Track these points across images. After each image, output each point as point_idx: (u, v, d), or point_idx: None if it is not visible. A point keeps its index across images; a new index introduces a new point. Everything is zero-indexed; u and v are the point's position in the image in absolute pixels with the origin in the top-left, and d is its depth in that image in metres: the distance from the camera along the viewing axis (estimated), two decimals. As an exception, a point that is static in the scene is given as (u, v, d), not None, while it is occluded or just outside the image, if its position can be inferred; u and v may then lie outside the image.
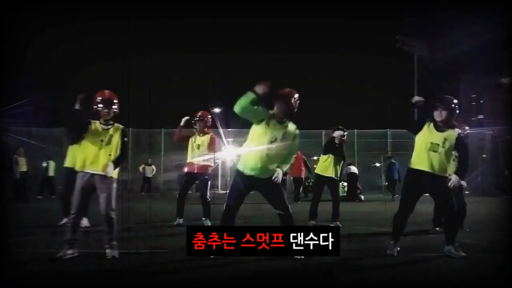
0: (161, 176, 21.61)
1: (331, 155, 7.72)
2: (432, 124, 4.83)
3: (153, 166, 20.18)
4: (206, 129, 7.65)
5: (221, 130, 16.37)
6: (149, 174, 19.98)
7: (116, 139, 4.79)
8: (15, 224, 7.58)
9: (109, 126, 4.81)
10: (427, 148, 4.76)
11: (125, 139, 4.88)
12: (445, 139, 4.73)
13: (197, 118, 7.63)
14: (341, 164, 7.87)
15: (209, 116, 7.73)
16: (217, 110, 21.94)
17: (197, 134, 7.62)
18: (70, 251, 4.62)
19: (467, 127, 6.95)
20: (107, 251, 4.68)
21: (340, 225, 7.40)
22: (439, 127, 4.78)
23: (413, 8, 25.14)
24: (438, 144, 4.72)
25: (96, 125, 4.81)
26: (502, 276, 4.11)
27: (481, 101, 24.93)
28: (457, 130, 4.82)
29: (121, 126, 4.86)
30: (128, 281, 3.90)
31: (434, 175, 4.74)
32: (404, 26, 25.74)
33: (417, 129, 4.90)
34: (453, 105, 4.81)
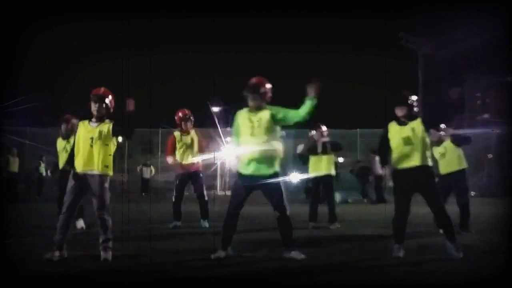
0: (159, 177, 21.39)
1: (317, 155, 7.65)
2: (394, 123, 4.93)
3: (151, 167, 19.91)
4: (190, 127, 7.57)
5: (220, 130, 16.22)
6: (147, 175, 19.71)
7: (107, 134, 4.68)
8: (14, 224, 7.53)
9: (99, 123, 4.71)
10: (401, 144, 4.81)
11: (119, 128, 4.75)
12: (413, 129, 4.84)
13: (182, 117, 7.52)
14: (332, 161, 7.77)
15: (191, 114, 7.64)
16: (216, 109, 21.74)
17: (181, 134, 7.52)
18: (57, 253, 4.53)
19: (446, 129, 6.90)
20: (101, 253, 4.57)
21: (339, 226, 7.28)
22: (402, 123, 4.87)
23: (417, 6, 24.92)
24: (409, 136, 4.80)
25: (85, 124, 4.73)
26: (504, 277, 4.03)
27: (487, 100, 24.67)
28: (419, 120, 4.90)
29: (111, 121, 4.75)
30: (126, 282, 3.86)
31: (416, 168, 4.77)
32: (408, 23, 25.52)
33: (386, 142, 4.96)
34: (410, 100, 4.92)
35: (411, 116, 4.89)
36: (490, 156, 20.38)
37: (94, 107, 4.70)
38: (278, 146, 4.73)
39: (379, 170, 14.93)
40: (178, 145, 7.49)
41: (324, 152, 7.67)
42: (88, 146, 4.62)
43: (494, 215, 9.50)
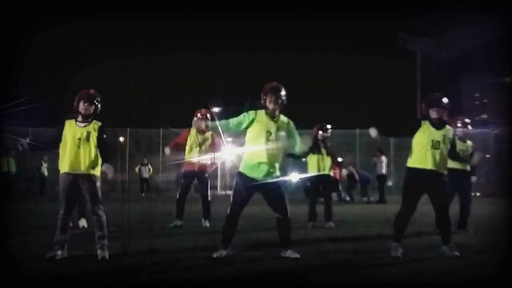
0: (159, 177, 21.37)
1: (319, 154, 7.66)
2: (428, 123, 4.90)
3: (149, 166, 19.89)
4: (206, 127, 7.55)
5: (221, 130, 16.18)
6: (145, 174, 19.70)
7: (94, 135, 4.69)
8: (15, 224, 7.52)
9: (86, 124, 4.70)
10: (429, 146, 4.79)
11: (104, 135, 4.78)
12: (444, 136, 4.83)
13: (200, 117, 7.51)
14: (329, 160, 7.78)
15: (209, 115, 7.58)
16: (216, 110, 21.73)
17: (196, 132, 7.54)
18: (60, 252, 4.55)
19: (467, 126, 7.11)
20: (98, 251, 4.58)
21: (333, 226, 7.28)
22: (436, 125, 4.86)
23: (417, 6, 24.91)
24: (439, 141, 4.79)
25: (72, 124, 4.70)
26: (504, 277, 4.04)
27: (485, 100, 24.67)
28: (451, 128, 4.97)
29: (99, 123, 4.76)
30: (126, 282, 3.86)
31: (435, 172, 4.78)
32: (408, 23, 25.51)
33: (415, 129, 4.94)
34: (445, 103, 4.94)
35: (443, 121, 4.91)
36: (488, 156, 20.38)
37: (82, 106, 4.67)
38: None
39: (383, 170, 14.95)
40: (189, 142, 7.55)
41: (326, 152, 7.70)
42: (76, 147, 4.60)
43: (492, 215, 9.51)
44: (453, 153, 5.10)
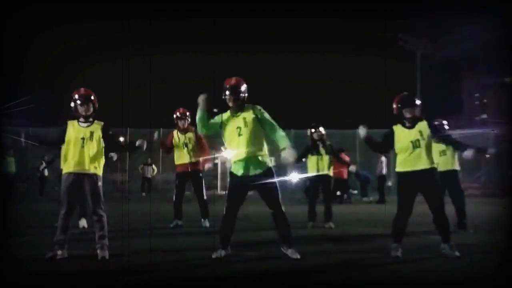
0: (159, 177, 21.38)
1: (318, 154, 7.67)
2: (400, 126, 4.92)
3: (153, 166, 19.90)
4: (187, 126, 7.54)
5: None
6: (148, 174, 19.71)
7: (98, 134, 4.74)
8: (15, 224, 7.53)
9: (89, 124, 4.76)
10: (411, 148, 4.81)
11: (110, 132, 4.85)
12: (420, 131, 4.82)
13: (179, 116, 7.50)
14: (329, 160, 7.76)
15: (188, 113, 7.58)
16: (216, 110, 21.69)
17: (178, 133, 7.51)
18: (60, 252, 4.57)
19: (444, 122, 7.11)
20: (98, 251, 4.60)
21: (333, 227, 7.29)
22: (409, 126, 4.88)
23: (417, 6, 24.94)
24: (418, 140, 4.81)
25: (75, 124, 4.75)
26: (504, 277, 4.04)
27: (485, 100, 24.69)
28: (424, 121, 4.91)
29: (101, 123, 4.82)
30: (126, 282, 3.88)
31: (424, 170, 4.80)
32: (408, 24, 25.53)
33: (390, 143, 4.98)
34: (416, 102, 4.94)
35: (417, 118, 4.90)
36: (488, 156, 20.39)
37: (81, 108, 4.72)
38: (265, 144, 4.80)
39: (383, 170, 14.90)
40: (175, 144, 7.52)
41: (325, 151, 7.70)
42: (80, 147, 4.66)
43: (491, 215, 9.51)
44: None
